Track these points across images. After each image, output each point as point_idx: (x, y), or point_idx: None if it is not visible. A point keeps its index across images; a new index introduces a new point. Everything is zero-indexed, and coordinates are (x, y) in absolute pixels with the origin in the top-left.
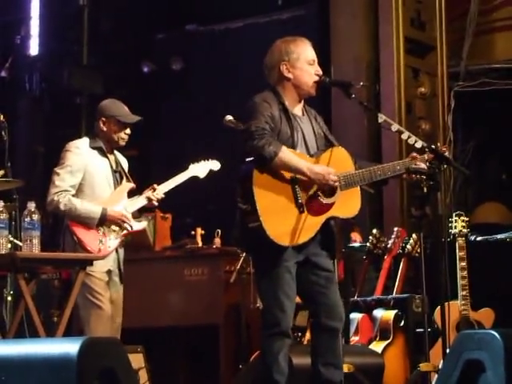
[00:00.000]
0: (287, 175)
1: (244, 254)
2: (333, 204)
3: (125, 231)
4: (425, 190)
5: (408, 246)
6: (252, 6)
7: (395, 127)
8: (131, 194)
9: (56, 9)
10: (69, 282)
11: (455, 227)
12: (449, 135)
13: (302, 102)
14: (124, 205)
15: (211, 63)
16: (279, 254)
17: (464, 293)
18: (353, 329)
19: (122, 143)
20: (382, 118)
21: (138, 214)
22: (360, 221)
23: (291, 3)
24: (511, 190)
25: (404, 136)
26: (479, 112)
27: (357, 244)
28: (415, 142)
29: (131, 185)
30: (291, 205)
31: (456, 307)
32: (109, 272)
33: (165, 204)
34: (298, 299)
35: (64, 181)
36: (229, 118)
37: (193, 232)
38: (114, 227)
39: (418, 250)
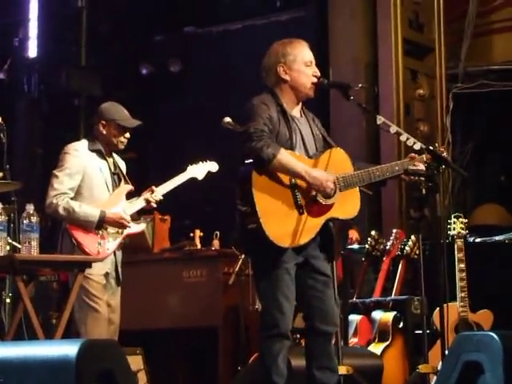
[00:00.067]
0: (286, 177)
1: (242, 256)
2: (332, 205)
3: (124, 233)
4: (423, 191)
5: (407, 248)
6: (250, 8)
7: (394, 129)
8: (130, 196)
9: (54, 10)
10: (67, 284)
11: (454, 229)
12: (447, 137)
13: (300, 104)
14: (122, 207)
15: (209, 65)
16: (279, 256)
17: (463, 294)
18: (352, 330)
19: (121, 147)
20: (380, 119)
21: (138, 216)
22: (358, 222)
23: (290, 5)
24: (510, 192)
25: (402, 138)
26: (478, 114)
27: (355, 246)
28: (414, 143)
29: (129, 187)
30: (291, 206)
31: (455, 309)
32: (106, 275)
33: (163, 206)
34: None
35: (63, 183)
36: (227, 119)
37: (191, 234)
38: (112, 229)
39: (417, 252)
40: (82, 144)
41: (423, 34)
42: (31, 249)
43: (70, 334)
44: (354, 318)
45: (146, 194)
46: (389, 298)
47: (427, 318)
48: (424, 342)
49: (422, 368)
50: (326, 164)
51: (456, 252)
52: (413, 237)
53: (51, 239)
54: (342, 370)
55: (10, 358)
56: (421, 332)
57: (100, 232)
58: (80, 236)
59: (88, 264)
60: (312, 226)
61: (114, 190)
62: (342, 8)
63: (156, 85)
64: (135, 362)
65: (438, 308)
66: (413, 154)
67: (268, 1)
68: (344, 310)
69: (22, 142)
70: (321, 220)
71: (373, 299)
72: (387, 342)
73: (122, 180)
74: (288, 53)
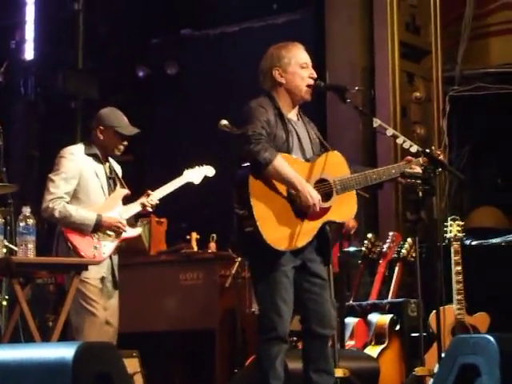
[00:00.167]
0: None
1: (239, 259)
2: (329, 208)
3: (120, 237)
4: (420, 194)
5: (403, 251)
6: (247, 11)
7: (390, 132)
8: (126, 200)
9: (51, 13)
10: (64, 286)
11: (450, 231)
12: (444, 139)
13: (297, 107)
14: (119, 211)
15: (206, 68)
16: (276, 259)
17: (459, 297)
18: (348, 333)
19: (118, 153)
20: (376, 122)
21: (135, 220)
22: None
23: (286, 8)
24: (506, 194)
25: (399, 140)
26: (474, 116)
27: (352, 248)
28: (410, 146)
29: (126, 191)
30: (287, 209)
31: (451, 311)
32: (102, 279)
33: (160, 209)
34: None
35: (59, 188)
36: (224, 122)
37: (188, 236)
38: (108, 233)
39: (413, 255)
40: (78, 148)
41: (420, 36)
42: (28, 251)
43: (66, 336)
44: (351, 321)
45: (142, 199)
46: (385, 301)
47: (424, 320)
48: (420, 345)
49: (419, 371)
50: (322, 167)
51: (452, 255)
52: (409, 239)
53: (48, 242)
54: (339, 372)
55: (7, 361)
56: (417, 335)
57: (96, 236)
58: (76, 240)
59: (84, 266)
60: (309, 229)
61: (110, 195)
62: (339, 11)
63: (153, 87)
64: (132, 364)
65: (434, 311)
66: (409, 157)
67: (265, 4)
68: (340, 313)
69: (19, 145)
70: (318, 223)
71: (369, 302)
72: (384, 345)
73: (118, 184)
74: (283, 56)
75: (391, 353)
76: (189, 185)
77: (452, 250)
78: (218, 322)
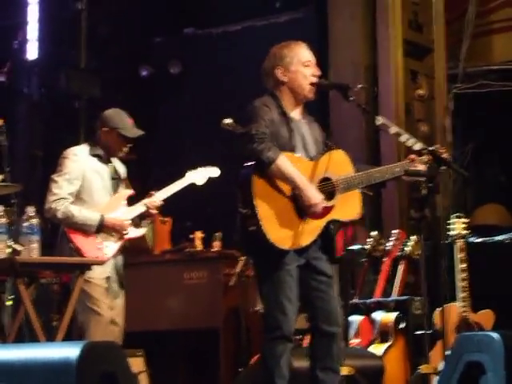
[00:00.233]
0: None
1: (244, 258)
2: (333, 207)
3: (124, 238)
4: (424, 192)
5: (407, 249)
6: (250, 10)
7: (393, 129)
8: (130, 200)
9: (54, 13)
10: (68, 286)
11: (454, 229)
12: (447, 137)
13: (301, 106)
14: (122, 212)
15: (209, 67)
16: (281, 258)
17: (464, 295)
18: (353, 331)
19: (121, 155)
20: (380, 120)
21: (139, 220)
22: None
23: (289, 6)
24: (510, 192)
25: (402, 138)
26: (478, 114)
27: (356, 246)
28: (414, 143)
29: (129, 191)
30: (291, 208)
31: (456, 309)
32: (108, 278)
33: (164, 208)
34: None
35: (62, 188)
36: (227, 121)
37: (192, 235)
38: (112, 233)
39: (418, 252)
40: (82, 148)
41: (423, 34)
42: (32, 251)
43: (71, 336)
44: (355, 319)
45: (146, 200)
46: (390, 299)
47: (428, 318)
48: (425, 343)
49: (424, 368)
50: (326, 166)
51: (457, 252)
52: (413, 237)
53: (52, 241)
54: (344, 370)
55: (12, 361)
56: (422, 332)
57: (99, 236)
58: (79, 240)
59: (88, 266)
60: (313, 228)
61: (113, 195)
62: (342, 9)
63: (156, 86)
64: (136, 363)
65: (439, 308)
66: (413, 156)
67: (267, 2)
68: (345, 311)
69: (23, 145)
70: (322, 222)
71: (374, 300)
72: (389, 343)
73: (122, 185)
74: (285, 55)
75: (396, 351)
76: (192, 186)
77: (456, 248)
78: (223, 320)
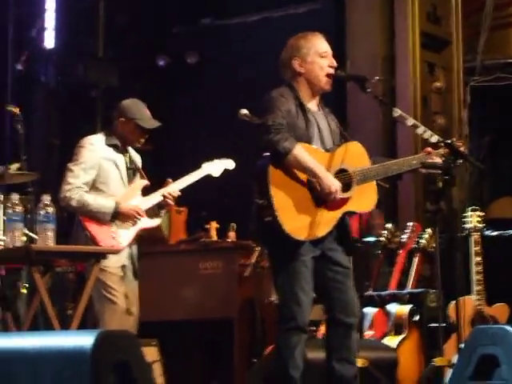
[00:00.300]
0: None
1: (259, 248)
2: (349, 199)
3: (138, 227)
4: (440, 184)
5: (422, 241)
6: (268, 0)
7: (410, 121)
8: (145, 191)
9: (71, 2)
10: (83, 275)
11: (470, 222)
12: (464, 130)
13: (318, 97)
14: (138, 202)
15: (226, 57)
16: (296, 249)
17: (479, 288)
18: (367, 323)
19: (138, 145)
20: (397, 112)
21: (158, 210)
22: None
23: None
24: None
25: (419, 130)
26: (495, 107)
27: (372, 238)
28: (430, 136)
29: (145, 182)
30: (307, 199)
31: (471, 302)
32: (123, 267)
33: (180, 198)
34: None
35: (77, 177)
36: (244, 111)
37: (207, 226)
38: (127, 222)
39: (433, 245)
40: (99, 138)
41: (441, 26)
42: (47, 239)
43: (85, 324)
44: (370, 311)
45: (163, 189)
46: (405, 291)
47: (443, 311)
48: (439, 336)
49: (438, 361)
50: (342, 157)
51: (472, 245)
52: (429, 230)
53: (68, 230)
54: (358, 362)
55: (26, 349)
56: (436, 325)
57: (114, 225)
58: (94, 229)
59: (103, 255)
60: (329, 219)
61: (129, 185)
62: (359, 1)
63: (173, 77)
64: (151, 353)
65: (453, 301)
66: (429, 149)
67: None
68: (360, 303)
69: (40, 133)
70: (338, 213)
71: (388, 292)
72: (403, 335)
73: (138, 175)
74: (302, 46)
75: (410, 343)
76: (208, 177)
77: (472, 241)
78: (237, 311)
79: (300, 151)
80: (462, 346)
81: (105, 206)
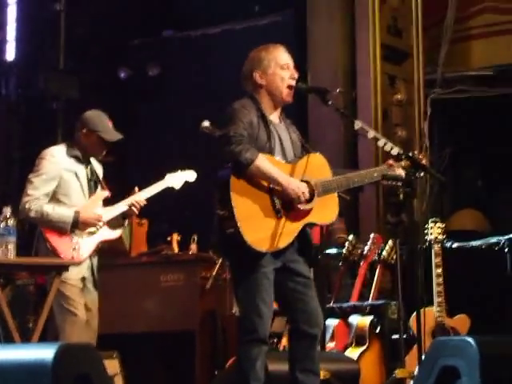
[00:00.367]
0: (265, 181)
1: (220, 260)
2: (310, 210)
3: (99, 239)
4: (401, 196)
5: (384, 253)
6: (229, 13)
7: (371, 134)
8: (106, 202)
9: (32, 14)
10: (44, 287)
11: (431, 234)
12: (425, 142)
13: (279, 109)
14: (100, 212)
15: (188, 69)
16: (257, 260)
17: (439, 299)
18: (328, 335)
19: (99, 157)
20: (358, 124)
21: (122, 220)
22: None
23: (268, 10)
24: (487, 197)
25: (380, 143)
26: (455, 119)
27: (333, 250)
28: (391, 148)
29: (106, 193)
30: (269, 211)
31: (432, 314)
32: (83, 279)
33: (142, 209)
34: (274, 305)
35: (37, 189)
36: (206, 124)
37: (169, 238)
38: (86, 231)
39: (394, 257)
40: (60, 149)
41: (401, 39)
42: (8, 252)
43: (46, 337)
44: (331, 323)
45: (130, 198)
46: (366, 303)
47: (404, 322)
48: (401, 347)
49: (399, 373)
50: (303, 169)
51: (433, 257)
52: (390, 242)
53: (28, 243)
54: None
55: None
56: (398, 337)
57: (74, 236)
58: (55, 241)
59: (65, 267)
60: (290, 230)
61: (90, 197)
62: (320, 13)
63: (134, 88)
64: (112, 365)
65: (415, 313)
66: (391, 161)
67: (246, 5)
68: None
69: (0, 146)
70: (299, 225)
71: (350, 304)
72: (364, 347)
73: (99, 186)
74: (263, 58)
75: (371, 355)
76: (169, 189)
77: (433, 253)
78: (199, 323)
79: (262, 161)
80: (423, 357)
81: (64, 215)
